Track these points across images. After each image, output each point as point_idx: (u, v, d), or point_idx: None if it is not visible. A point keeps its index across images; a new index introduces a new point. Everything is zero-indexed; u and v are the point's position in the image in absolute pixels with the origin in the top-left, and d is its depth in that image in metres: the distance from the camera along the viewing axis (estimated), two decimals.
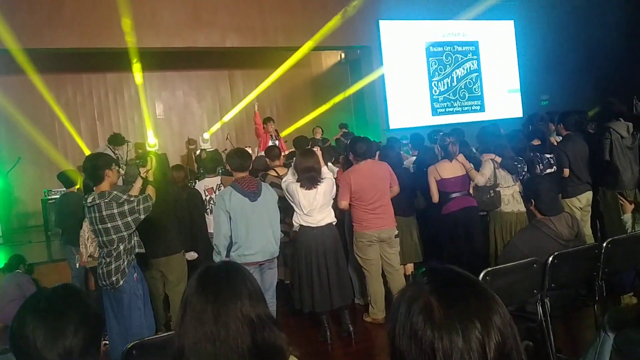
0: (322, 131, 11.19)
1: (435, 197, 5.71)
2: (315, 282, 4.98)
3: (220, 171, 6.89)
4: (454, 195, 5.62)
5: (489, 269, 3.54)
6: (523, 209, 5.72)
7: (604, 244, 4.01)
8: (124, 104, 12.14)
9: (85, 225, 5.20)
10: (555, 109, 9.00)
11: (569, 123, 6.30)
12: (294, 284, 5.19)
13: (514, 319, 3.55)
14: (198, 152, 11.40)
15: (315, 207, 4.95)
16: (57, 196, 9.20)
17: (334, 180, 5.23)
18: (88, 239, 5.29)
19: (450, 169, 5.64)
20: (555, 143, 6.45)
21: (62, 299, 1.74)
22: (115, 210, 4.17)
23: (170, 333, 2.89)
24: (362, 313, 5.73)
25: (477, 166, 5.80)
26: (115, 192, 4.22)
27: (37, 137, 11.15)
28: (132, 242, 4.34)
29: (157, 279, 5.45)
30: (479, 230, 5.75)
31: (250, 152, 8.57)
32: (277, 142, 9.45)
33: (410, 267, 6.31)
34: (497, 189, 5.73)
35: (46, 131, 11.31)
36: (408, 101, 12.29)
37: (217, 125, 12.75)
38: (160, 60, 11.68)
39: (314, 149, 5.36)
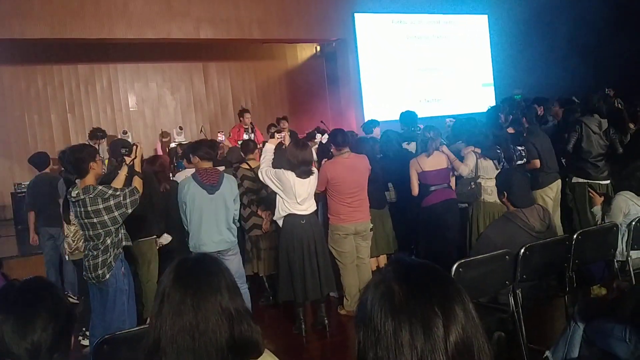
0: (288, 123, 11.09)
1: (415, 190, 5.75)
2: (307, 271, 4.96)
3: None
4: (433, 187, 5.65)
5: (462, 260, 3.58)
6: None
7: (574, 236, 4.09)
8: (95, 96, 11.93)
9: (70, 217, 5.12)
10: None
11: (529, 117, 6.48)
12: (280, 275, 5.11)
13: (486, 310, 3.59)
14: (172, 144, 11.28)
15: (307, 196, 4.98)
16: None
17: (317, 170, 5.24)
18: (75, 233, 5.18)
19: (432, 162, 5.67)
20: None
21: (33, 292, 1.70)
22: (101, 206, 4.08)
23: (142, 327, 2.86)
24: (336, 306, 5.73)
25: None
26: (100, 187, 4.12)
27: (7, 129, 10.96)
28: (120, 235, 4.27)
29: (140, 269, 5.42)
30: (458, 223, 5.80)
31: (224, 138, 8.56)
32: (252, 135, 9.43)
33: (383, 258, 6.34)
34: (478, 181, 5.77)
35: (16, 123, 11.10)
36: (383, 94, 12.32)
37: (192, 118, 12.65)
38: (133, 52, 11.52)
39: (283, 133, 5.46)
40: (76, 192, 4.11)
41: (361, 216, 5.44)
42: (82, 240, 4.98)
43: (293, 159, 4.93)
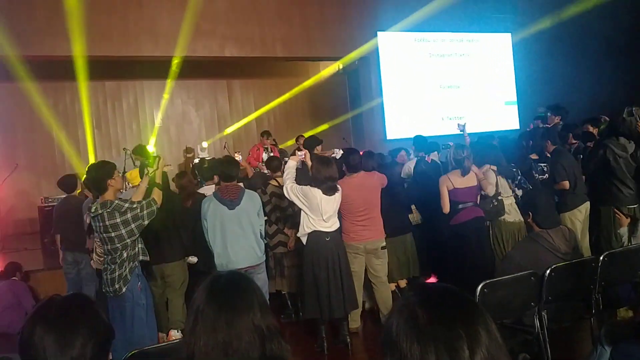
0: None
1: (447, 208, 5.62)
2: (332, 287, 4.94)
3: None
4: (462, 205, 5.57)
5: (487, 281, 3.56)
6: (522, 218, 5.78)
7: (601, 257, 4.04)
8: (122, 112, 12.15)
9: None
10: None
11: (552, 138, 6.37)
12: (306, 292, 5.10)
13: (511, 332, 3.57)
14: (196, 160, 11.40)
15: (333, 213, 4.99)
16: (54, 203, 9.25)
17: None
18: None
19: (463, 179, 5.60)
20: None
21: (73, 309, 1.72)
22: (118, 220, 4.16)
23: (169, 343, 2.90)
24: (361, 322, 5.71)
25: None
26: (117, 201, 4.20)
27: (35, 144, 11.19)
28: (136, 249, 4.33)
29: (158, 287, 5.52)
30: (487, 240, 5.77)
31: (241, 158, 8.68)
32: (271, 155, 9.55)
33: (403, 281, 6.30)
34: (500, 198, 5.77)
35: (44, 139, 11.33)
36: (405, 112, 12.33)
37: (216, 134, 12.79)
38: (159, 69, 11.70)
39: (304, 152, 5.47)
40: (95, 207, 4.21)
41: (371, 235, 5.39)
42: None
43: (319, 176, 4.94)
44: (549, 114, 7.60)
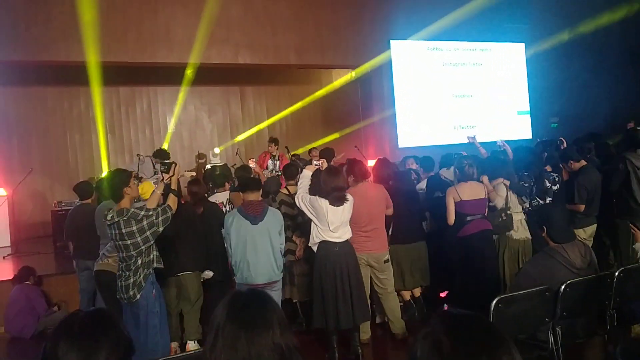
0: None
1: (451, 219, 5.59)
2: (340, 298, 4.93)
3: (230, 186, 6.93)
4: (470, 217, 5.54)
5: (502, 296, 3.55)
6: (529, 236, 5.79)
7: (616, 273, 4.02)
8: (135, 118, 12.23)
9: None
10: (568, 132, 9.03)
11: (574, 157, 6.20)
12: (314, 302, 5.11)
13: (525, 347, 3.55)
14: (208, 166, 11.44)
15: (341, 224, 4.96)
16: (67, 208, 9.30)
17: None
18: None
19: (469, 191, 5.56)
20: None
21: (96, 324, 1.74)
22: (134, 228, 4.20)
23: (187, 354, 2.92)
24: (372, 333, 5.69)
25: None
26: (133, 209, 4.24)
27: (49, 149, 11.28)
28: (151, 256, 4.36)
29: (173, 296, 5.55)
30: (494, 254, 5.74)
31: (254, 165, 8.74)
32: (277, 163, 9.57)
33: (417, 290, 6.28)
34: (509, 212, 5.74)
35: (58, 143, 11.43)
36: (418, 120, 12.33)
37: (228, 141, 12.85)
38: (173, 75, 11.77)
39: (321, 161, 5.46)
40: (111, 215, 4.24)
41: (375, 247, 5.38)
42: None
43: (326, 186, 4.94)
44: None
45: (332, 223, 4.91)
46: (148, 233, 4.24)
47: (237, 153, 11.68)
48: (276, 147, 10.05)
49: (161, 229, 4.31)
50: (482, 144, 8.69)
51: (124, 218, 4.18)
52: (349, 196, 5.03)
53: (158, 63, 10.45)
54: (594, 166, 6.30)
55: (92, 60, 9.77)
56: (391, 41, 12.09)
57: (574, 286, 3.75)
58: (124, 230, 4.18)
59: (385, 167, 5.73)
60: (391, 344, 5.55)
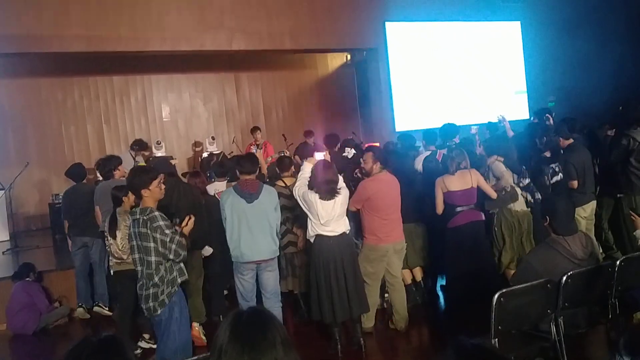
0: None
1: (440, 209, 5.71)
2: (335, 291, 4.95)
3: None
4: (460, 208, 5.61)
5: (504, 290, 3.55)
6: (527, 208, 5.85)
7: (617, 262, 4.02)
8: (130, 107, 12.14)
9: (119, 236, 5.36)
10: (566, 111, 8.98)
11: (563, 134, 6.29)
12: (311, 295, 5.15)
13: (527, 338, 3.54)
14: (204, 154, 11.42)
15: (333, 218, 4.93)
16: None
17: (348, 190, 5.15)
18: (122, 244, 5.34)
19: (458, 182, 5.61)
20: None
21: (107, 354, 1.73)
22: (149, 231, 4.01)
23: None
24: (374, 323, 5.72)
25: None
26: (155, 213, 4.06)
27: (44, 140, 11.22)
28: (174, 273, 4.17)
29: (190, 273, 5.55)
30: (486, 244, 5.75)
31: (255, 150, 8.72)
32: (259, 152, 9.57)
33: (418, 272, 6.29)
34: (512, 185, 5.76)
35: (53, 134, 11.36)
36: (415, 102, 12.26)
37: (224, 128, 12.79)
38: (167, 63, 11.68)
39: (325, 152, 5.44)
40: (135, 210, 4.20)
41: (398, 235, 5.40)
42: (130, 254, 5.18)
43: (316, 179, 4.94)
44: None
45: (322, 217, 4.91)
46: (160, 249, 4.03)
47: (233, 140, 11.65)
48: (259, 135, 10.42)
49: (171, 257, 4.05)
50: (479, 124, 8.69)
51: (145, 217, 4.03)
52: (342, 190, 4.99)
53: (151, 51, 10.34)
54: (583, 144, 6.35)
55: (85, 50, 9.70)
56: (386, 23, 11.97)
57: (576, 277, 3.74)
58: (141, 230, 4.03)
59: (390, 154, 5.69)
60: (394, 332, 5.56)
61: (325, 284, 4.97)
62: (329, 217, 4.91)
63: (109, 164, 6.48)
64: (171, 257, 4.06)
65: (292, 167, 6.26)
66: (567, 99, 12.47)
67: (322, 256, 4.98)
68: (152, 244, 4.04)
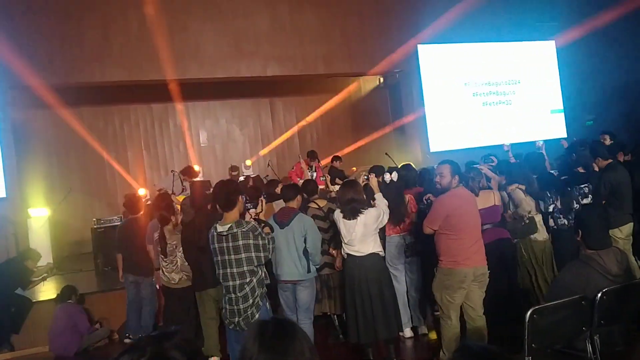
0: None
1: None
2: (359, 311, 4.99)
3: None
4: (485, 226, 5.29)
5: (536, 307, 3.52)
6: (548, 236, 5.76)
7: None
8: (169, 133, 12.46)
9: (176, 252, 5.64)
10: (601, 129, 8.83)
11: (602, 154, 6.18)
12: (347, 315, 5.21)
13: (562, 357, 3.49)
14: (241, 178, 11.57)
15: (355, 237, 4.96)
16: (106, 225, 9.54)
17: (381, 210, 5.09)
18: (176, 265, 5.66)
19: (481, 200, 5.37)
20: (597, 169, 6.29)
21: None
22: (251, 241, 4.20)
23: None
24: (408, 346, 5.68)
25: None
26: (252, 223, 4.25)
27: (87, 167, 11.57)
28: (262, 274, 4.36)
29: (213, 308, 5.68)
30: (514, 262, 5.64)
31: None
32: (314, 175, 9.74)
33: None
34: (531, 216, 5.65)
35: (95, 161, 11.70)
36: (449, 124, 12.24)
37: (260, 152, 12.98)
38: (204, 90, 11.96)
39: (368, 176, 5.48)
40: (227, 225, 4.23)
41: (479, 259, 4.73)
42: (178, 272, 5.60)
43: (341, 199, 5.06)
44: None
45: (344, 236, 5.01)
46: (262, 254, 4.26)
47: (268, 164, 11.79)
48: (313, 161, 10.43)
49: (270, 256, 4.42)
50: (516, 144, 8.63)
51: (243, 229, 4.17)
52: (368, 209, 5.00)
53: (189, 79, 10.62)
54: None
55: (126, 79, 10.03)
56: (419, 46, 12.04)
57: (611, 293, 3.68)
58: (240, 242, 4.17)
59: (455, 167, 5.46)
60: (428, 353, 5.51)
61: (350, 303, 5.05)
62: (350, 237, 4.97)
63: (166, 199, 6.52)
64: (270, 255, 4.42)
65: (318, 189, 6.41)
66: (605, 118, 12.26)
67: (349, 276, 5.07)
68: (252, 253, 4.21)
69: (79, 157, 11.59)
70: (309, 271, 5.29)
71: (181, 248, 5.69)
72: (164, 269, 5.77)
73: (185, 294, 5.79)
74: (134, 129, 12.19)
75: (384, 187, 5.72)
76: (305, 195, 6.14)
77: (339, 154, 11.23)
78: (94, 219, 10.08)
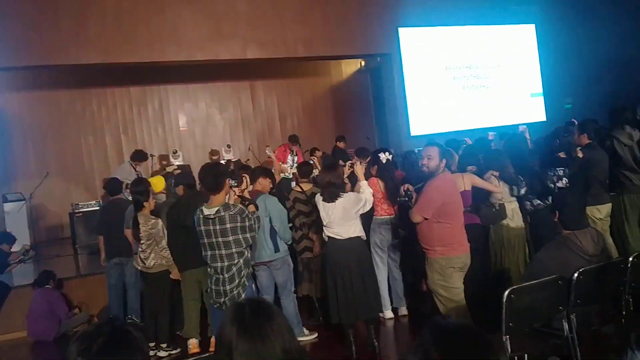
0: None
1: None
2: (340, 293, 5.01)
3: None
4: None
5: (514, 287, 3.55)
6: (522, 224, 5.74)
7: (630, 259, 3.98)
8: (147, 117, 12.31)
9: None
10: (585, 113, 8.89)
11: (589, 132, 6.25)
12: (328, 297, 5.20)
13: (540, 336, 3.52)
14: (222, 162, 11.50)
15: (334, 220, 4.97)
16: (84, 210, 9.44)
17: (363, 198, 5.02)
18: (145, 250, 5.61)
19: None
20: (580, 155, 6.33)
21: (116, 349, 1.62)
22: (239, 224, 4.23)
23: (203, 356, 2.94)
24: (388, 327, 5.71)
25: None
26: (240, 205, 4.29)
27: (64, 151, 11.41)
28: (248, 254, 4.44)
29: (196, 290, 5.67)
30: (481, 248, 5.63)
31: (270, 153, 8.82)
32: (295, 158, 9.76)
33: None
34: (501, 202, 5.64)
35: (72, 145, 11.54)
36: (429, 107, 12.25)
37: (240, 136, 12.90)
38: (183, 73, 11.82)
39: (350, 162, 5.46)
40: (214, 208, 4.22)
41: (467, 243, 4.65)
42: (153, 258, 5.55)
43: (321, 181, 5.10)
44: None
45: (324, 219, 5.03)
46: (248, 236, 4.32)
47: (249, 148, 11.74)
48: (295, 146, 10.41)
49: (255, 235, 4.47)
50: (496, 128, 8.65)
51: (231, 213, 4.19)
52: (347, 193, 5.03)
53: (167, 61, 10.48)
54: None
55: (103, 61, 9.87)
56: (399, 29, 12.00)
57: (588, 273, 3.73)
58: (228, 226, 4.20)
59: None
60: (408, 335, 5.56)
61: (331, 285, 5.06)
62: (329, 219, 4.98)
63: (140, 186, 6.47)
64: (255, 235, 4.46)
65: (312, 174, 6.36)
66: (584, 101, 12.36)
67: (330, 259, 5.08)
68: (239, 236, 4.25)
69: (55, 141, 11.41)
70: (277, 250, 5.35)
71: (161, 232, 5.64)
72: (140, 254, 5.72)
73: (161, 279, 5.76)
74: (111, 113, 12.02)
75: (382, 167, 5.69)
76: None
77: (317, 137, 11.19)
78: (72, 204, 9.97)
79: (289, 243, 5.64)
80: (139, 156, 9.66)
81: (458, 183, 5.26)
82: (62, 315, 6.71)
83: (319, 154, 9.85)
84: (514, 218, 5.68)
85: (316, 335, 5.62)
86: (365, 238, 5.29)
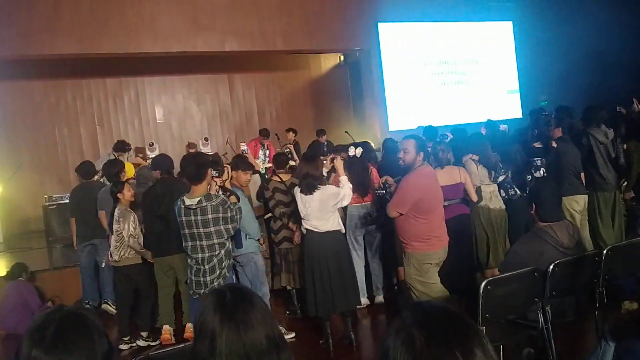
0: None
1: None
2: (318, 285, 5.00)
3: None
4: (447, 203, 5.22)
5: (490, 278, 3.58)
6: (504, 206, 5.83)
7: (604, 251, 4.04)
8: (123, 109, 12.15)
9: (129, 224, 5.46)
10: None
11: (563, 127, 6.36)
12: (306, 289, 5.21)
13: (515, 327, 3.56)
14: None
15: (311, 213, 4.96)
16: (58, 202, 9.28)
17: (342, 192, 4.97)
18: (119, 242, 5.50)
19: (445, 176, 5.41)
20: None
21: (70, 332, 1.60)
22: (221, 215, 4.20)
23: (180, 346, 2.91)
24: (365, 318, 5.73)
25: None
26: (222, 196, 4.25)
27: (38, 143, 11.21)
28: (229, 246, 4.41)
29: (169, 277, 5.61)
30: (469, 239, 5.71)
31: (246, 148, 8.77)
32: (267, 152, 9.72)
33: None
34: (478, 185, 5.72)
35: (46, 137, 11.35)
36: (407, 103, 12.30)
37: (218, 129, 12.81)
38: (160, 65, 11.69)
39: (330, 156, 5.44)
40: (196, 199, 4.17)
41: (446, 236, 4.65)
42: (126, 249, 5.45)
43: (299, 173, 5.09)
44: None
45: (301, 211, 5.02)
46: (230, 227, 4.29)
47: (227, 141, 11.66)
48: (265, 140, 10.26)
49: (237, 226, 4.43)
50: (471, 124, 8.73)
51: (213, 203, 4.16)
52: (325, 186, 4.99)
53: (143, 53, 10.36)
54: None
55: (78, 52, 9.72)
56: (379, 24, 12.02)
57: (563, 265, 3.77)
58: (210, 216, 4.16)
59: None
60: (384, 327, 5.58)
61: (309, 277, 5.06)
62: (307, 211, 4.97)
63: (115, 167, 6.41)
64: (238, 225, 4.45)
65: (288, 164, 6.36)
66: (559, 98, 12.48)
67: (307, 251, 5.08)
68: (221, 226, 4.22)
69: (28, 132, 11.19)
70: (239, 247, 5.17)
71: (131, 223, 5.56)
72: (111, 245, 5.64)
73: (130, 272, 5.69)
74: (87, 104, 11.82)
75: (348, 161, 5.71)
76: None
77: (295, 128, 11.09)
78: (45, 196, 9.78)
79: (257, 238, 5.45)
80: (120, 147, 9.54)
81: (454, 175, 5.45)
82: (35, 308, 6.58)
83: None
84: (492, 199, 5.76)
85: (294, 335, 5.47)
86: (344, 231, 5.29)
